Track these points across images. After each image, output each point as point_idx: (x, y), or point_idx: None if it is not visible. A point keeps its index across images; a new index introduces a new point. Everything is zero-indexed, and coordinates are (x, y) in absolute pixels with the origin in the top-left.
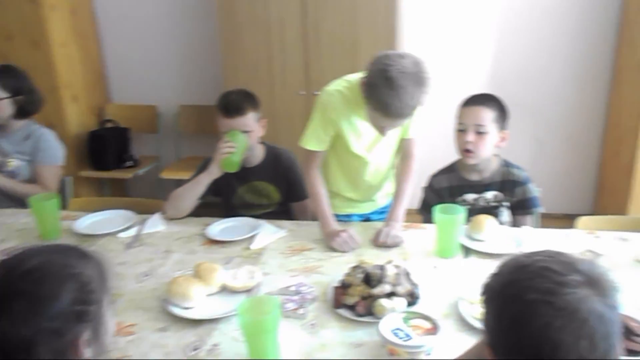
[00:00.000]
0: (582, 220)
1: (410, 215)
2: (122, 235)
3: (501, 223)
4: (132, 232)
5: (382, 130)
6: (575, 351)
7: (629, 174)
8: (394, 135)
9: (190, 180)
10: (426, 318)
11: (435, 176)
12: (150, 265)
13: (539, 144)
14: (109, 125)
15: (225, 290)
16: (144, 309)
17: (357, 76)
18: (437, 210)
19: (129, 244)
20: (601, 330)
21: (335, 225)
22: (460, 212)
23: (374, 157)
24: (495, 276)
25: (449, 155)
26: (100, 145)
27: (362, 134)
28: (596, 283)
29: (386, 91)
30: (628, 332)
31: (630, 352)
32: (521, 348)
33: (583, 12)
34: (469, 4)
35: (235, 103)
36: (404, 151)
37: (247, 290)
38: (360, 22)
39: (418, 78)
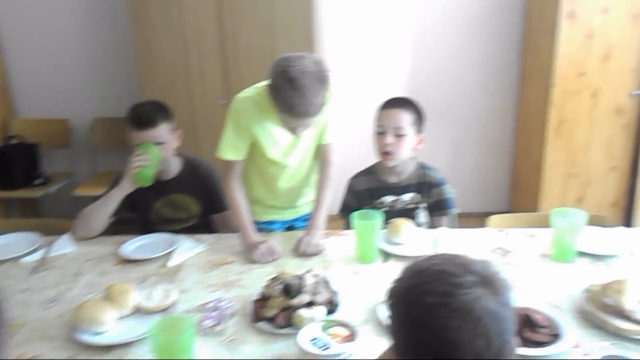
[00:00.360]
0: (493, 219)
1: (335, 221)
2: (26, 259)
3: (419, 224)
4: (37, 255)
5: (294, 131)
6: (472, 349)
7: (538, 172)
8: (310, 139)
9: (101, 197)
10: (345, 325)
11: (355, 178)
12: (57, 290)
13: (456, 146)
14: (14, 141)
15: (139, 311)
16: (49, 338)
17: (266, 82)
18: (355, 217)
19: (34, 269)
20: (495, 327)
21: (255, 236)
22: (378, 217)
23: (291, 161)
24: (397, 282)
25: (370, 158)
26: (5, 163)
27: (277, 140)
28: (490, 282)
29: (289, 92)
30: (533, 324)
31: (535, 344)
32: (422, 350)
33: (490, 21)
34: (385, 12)
35: (146, 115)
36: (321, 157)
37: (163, 310)
38: (278, 28)
39: (319, 76)
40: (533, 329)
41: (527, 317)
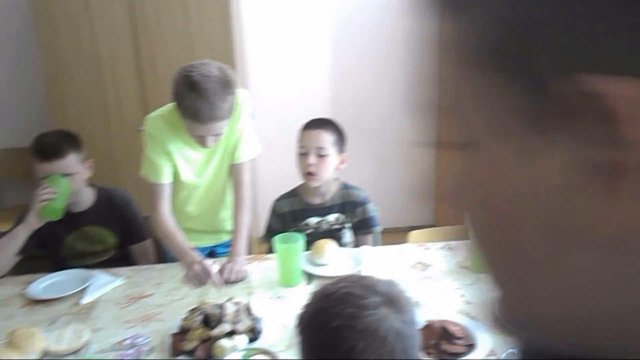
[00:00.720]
0: (413, 235)
1: (262, 245)
2: None
3: (344, 244)
4: None
5: (203, 141)
6: None
7: None
8: (222, 158)
9: (6, 234)
10: (266, 352)
11: (278, 201)
12: None
13: (381, 163)
14: None
15: (48, 355)
16: None
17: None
18: (277, 240)
19: None
20: (400, 346)
21: (194, 255)
22: (299, 239)
23: (203, 181)
24: (305, 307)
25: (295, 179)
26: None
27: (189, 158)
28: (394, 302)
29: (192, 96)
30: (450, 336)
31: (453, 355)
32: None
33: (407, 39)
34: (304, 33)
35: (51, 145)
36: (234, 178)
37: (74, 352)
38: (197, 53)
39: (223, 80)
40: (450, 340)
41: (444, 330)
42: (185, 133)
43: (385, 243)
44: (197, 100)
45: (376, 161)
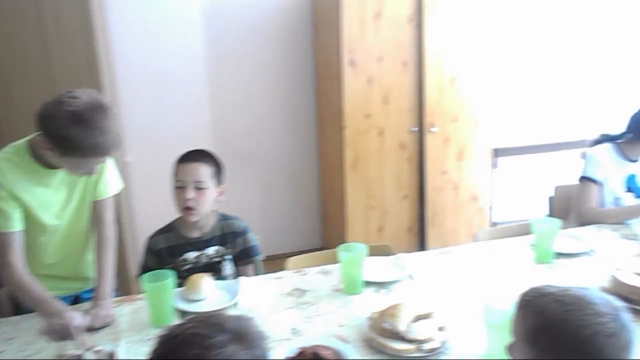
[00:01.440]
0: (291, 261)
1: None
2: None
3: (225, 277)
4: None
5: (90, 171)
6: None
7: (342, 207)
8: (82, 196)
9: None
10: None
11: (153, 237)
12: None
13: (266, 189)
14: None
15: None
16: None
17: (22, 141)
18: (145, 279)
19: None
20: None
21: (56, 305)
22: (170, 276)
23: (64, 223)
24: (152, 352)
25: (171, 214)
26: None
27: (46, 201)
28: (243, 338)
29: (85, 130)
30: None
31: None
32: None
33: (285, 69)
34: (179, 65)
35: None
36: (96, 216)
37: None
38: (60, 84)
39: (107, 108)
40: None
41: (316, 355)
42: (37, 173)
43: (273, 270)
44: (93, 135)
45: (261, 187)
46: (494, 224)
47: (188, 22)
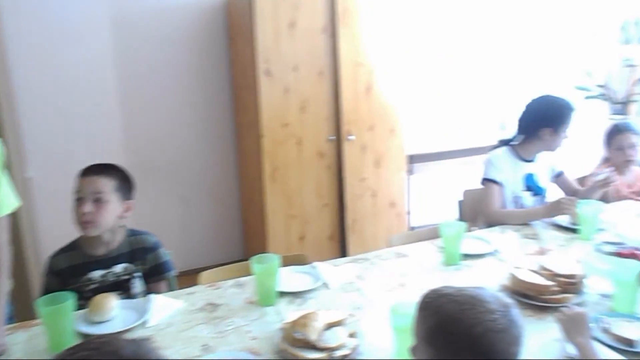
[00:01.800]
0: (204, 275)
1: None
2: None
3: (134, 295)
4: None
5: None
6: None
7: (262, 217)
8: None
9: None
10: None
11: (54, 257)
12: None
13: (186, 202)
14: None
15: None
16: None
17: None
18: (40, 303)
19: None
20: None
21: None
22: (68, 298)
23: None
24: None
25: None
26: None
27: None
28: None
29: None
30: None
31: None
32: None
33: (200, 79)
34: (86, 84)
35: None
36: None
37: None
38: None
39: None
40: None
41: None
42: None
43: (193, 285)
44: None
45: (181, 200)
46: (412, 229)
47: (94, 30)
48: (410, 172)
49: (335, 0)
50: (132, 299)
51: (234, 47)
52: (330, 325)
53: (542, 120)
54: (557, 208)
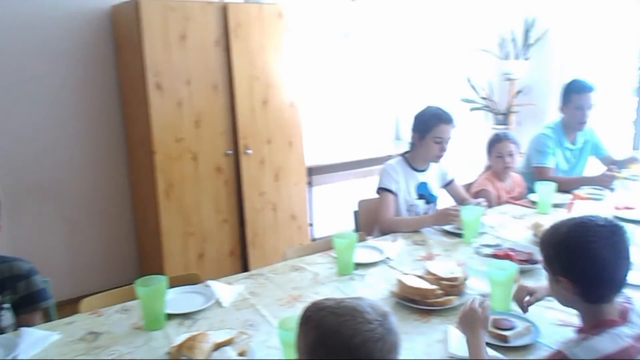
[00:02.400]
0: (85, 302)
1: None
2: None
3: (3, 329)
4: None
5: None
6: None
7: (158, 237)
8: None
9: None
10: None
11: None
12: None
13: (73, 224)
14: None
15: None
16: None
17: None
18: None
19: None
20: None
21: None
22: None
23: None
24: None
25: None
26: None
27: None
28: None
29: None
30: None
31: None
32: None
33: (87, 94)
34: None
35: None
36: None
37: None
38: None
39: None
40: None
41: None
42: None
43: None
44: None
45: (67, 222)
46: (314, 240)
47: None
48: (310, 184)
49: (227, 13)
50: (0, 334)
51: (121, 58)
52: (219, 346)
53: (413, 126)
54: (443, 217)
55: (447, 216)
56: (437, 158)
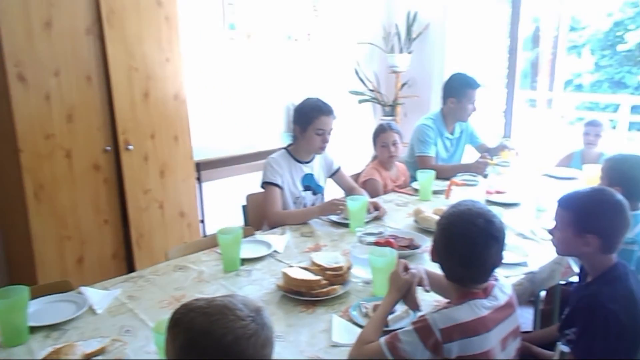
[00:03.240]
0: None
1: None
2: None
3: None
4: None
5: None
6: None
7: (29, 242)
8: None
9: None
10: None
11: None
12: None
13: None
14: None
15: None
16: None
17: None
18: None
19: None
20: None
21: None
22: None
23: None
24: None
25: None
26: None
27: None
28: None
29: None
30: None
31: None
32: None
33: None
34: None
35: None
36: None
37: None
38: None
39: None
40: None
41: None
42: None
43: None
44: None
45: None
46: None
47: None
48: (200, 179)
49: None
50: None
51: None
52: (89, 356)
53: (294, 119)
54: (329, 207)
55: (333, 206)
56: (320, 150)
